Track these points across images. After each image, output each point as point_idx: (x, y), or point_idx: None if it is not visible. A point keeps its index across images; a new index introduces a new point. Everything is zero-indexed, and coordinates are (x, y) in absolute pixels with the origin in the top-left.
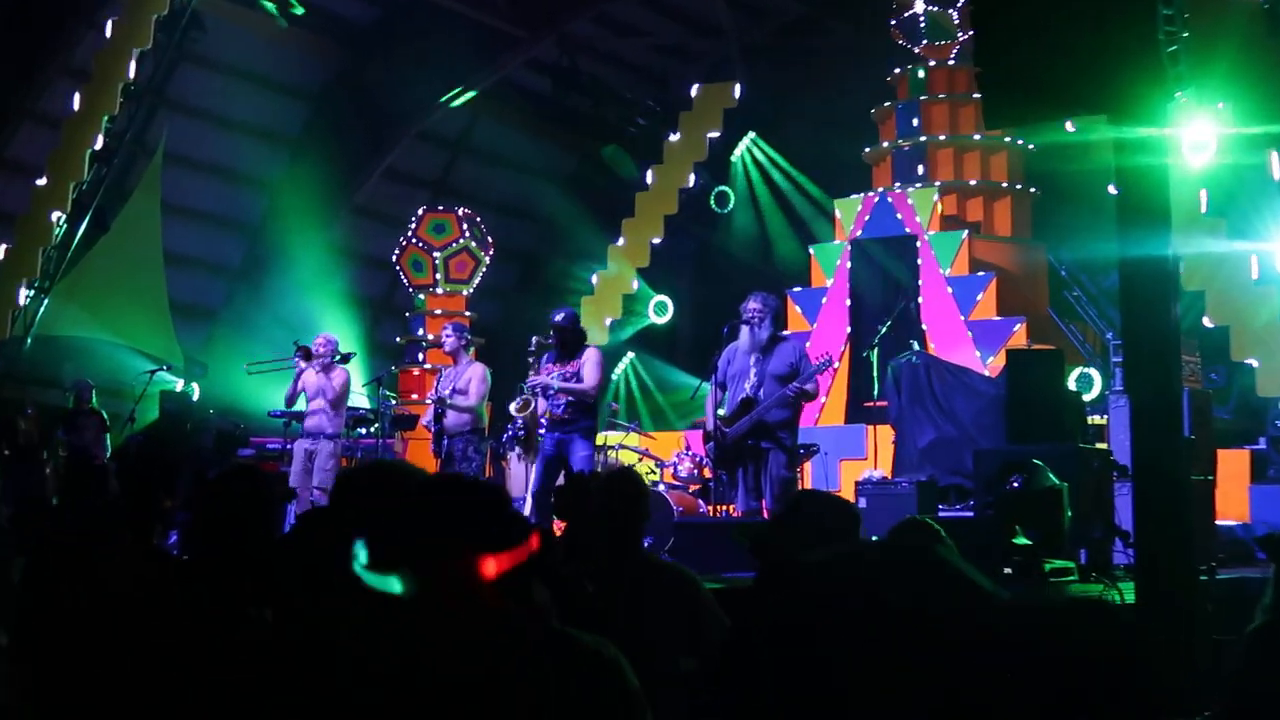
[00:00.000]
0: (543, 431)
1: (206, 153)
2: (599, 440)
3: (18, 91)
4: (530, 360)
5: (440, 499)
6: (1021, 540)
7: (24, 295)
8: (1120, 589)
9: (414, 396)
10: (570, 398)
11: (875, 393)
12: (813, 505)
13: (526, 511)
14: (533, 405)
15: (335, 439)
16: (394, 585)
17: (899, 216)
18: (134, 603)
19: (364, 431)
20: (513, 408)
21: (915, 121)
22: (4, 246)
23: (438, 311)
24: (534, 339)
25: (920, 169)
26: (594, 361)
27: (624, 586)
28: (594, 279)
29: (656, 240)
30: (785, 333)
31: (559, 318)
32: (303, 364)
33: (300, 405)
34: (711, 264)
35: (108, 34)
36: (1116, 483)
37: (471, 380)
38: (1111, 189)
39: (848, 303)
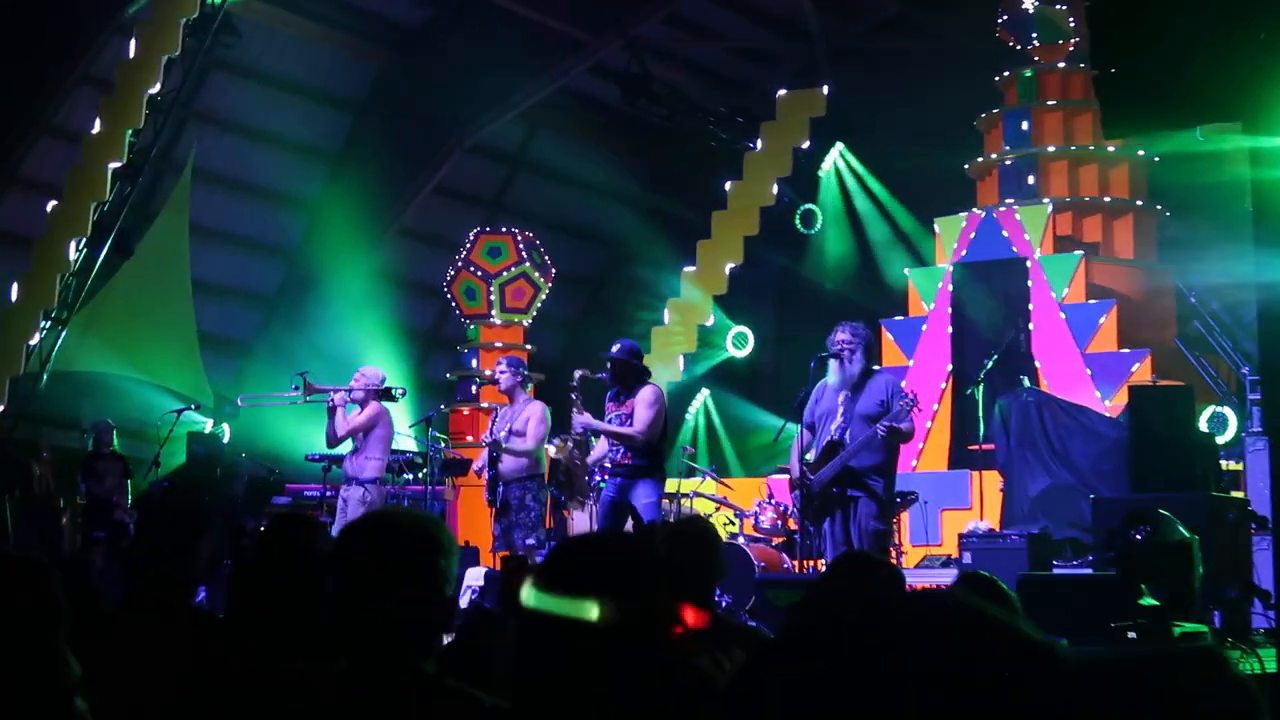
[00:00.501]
0: (599, 478)
1: (239, 169)
2: (670, 487)
3: (33, 104)
4: (573, 398)
5: (656, 542)
6: (1147, 601)
7: (40, 327)
8: (1259, 656)
9: (466, 438)
10: (622, 446)
11: (981, 434)
12: (852, 567)
13: None
14: (570, 448)
15: (367, 485)
16: (588, 611)
17: (1006, 236)
18: (175, 675)
19: (410, 477)
20: (550, 450)
21: (1024, 130)
22: (19, 274)
23: (494, 344)
24: (577, 373)
25: (1030, 183)
26: (646, 402)
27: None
28: (665, 308)
29: (735, 265)
30: (878, 367)
31: (614, 350)
32: (336, 399)
33: (346, 448)
34: (796, 291)
35: (132, 40)
36: (1254, 536)
37: (530, 420)
38: (1248, 205)
39: (950, 333)
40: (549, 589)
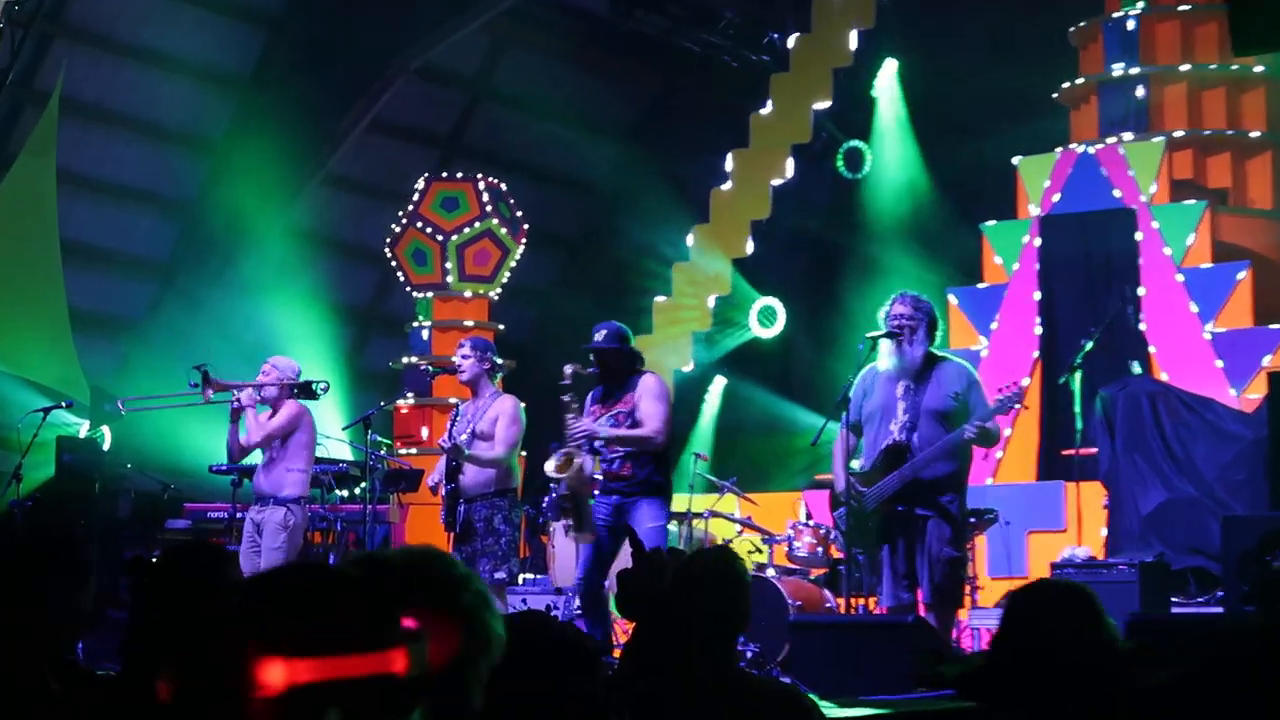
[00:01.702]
0: (595, 494)
1: (121, 100)
2: (679, 505)
3: None
4: (566, 400)
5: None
6: None
7: None
8: None
9: (417, 444)
10: (630, 446)
11: (1078, 436)
12: (1043, 606)
13: (576, 605)
14: (578, 462)
15: (289, 504)
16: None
17: (1109, 179)
18: None
19: (344, 494)
20: (550, 467)
21: (1133, 44)
22: None
23: (451, 322)
24: (568, 368)
25: (1140, 113)
26: (653, 393)
27: (713, 714)
28: (671, 276)
29: (760, 220)
30: (945, 352)
31: (598, 337)
32: (244, 396)
33: (255, 457)
34: (839, 253)
35: None
36: None
37: (499, 420)
38: None
39: (1037, 305)
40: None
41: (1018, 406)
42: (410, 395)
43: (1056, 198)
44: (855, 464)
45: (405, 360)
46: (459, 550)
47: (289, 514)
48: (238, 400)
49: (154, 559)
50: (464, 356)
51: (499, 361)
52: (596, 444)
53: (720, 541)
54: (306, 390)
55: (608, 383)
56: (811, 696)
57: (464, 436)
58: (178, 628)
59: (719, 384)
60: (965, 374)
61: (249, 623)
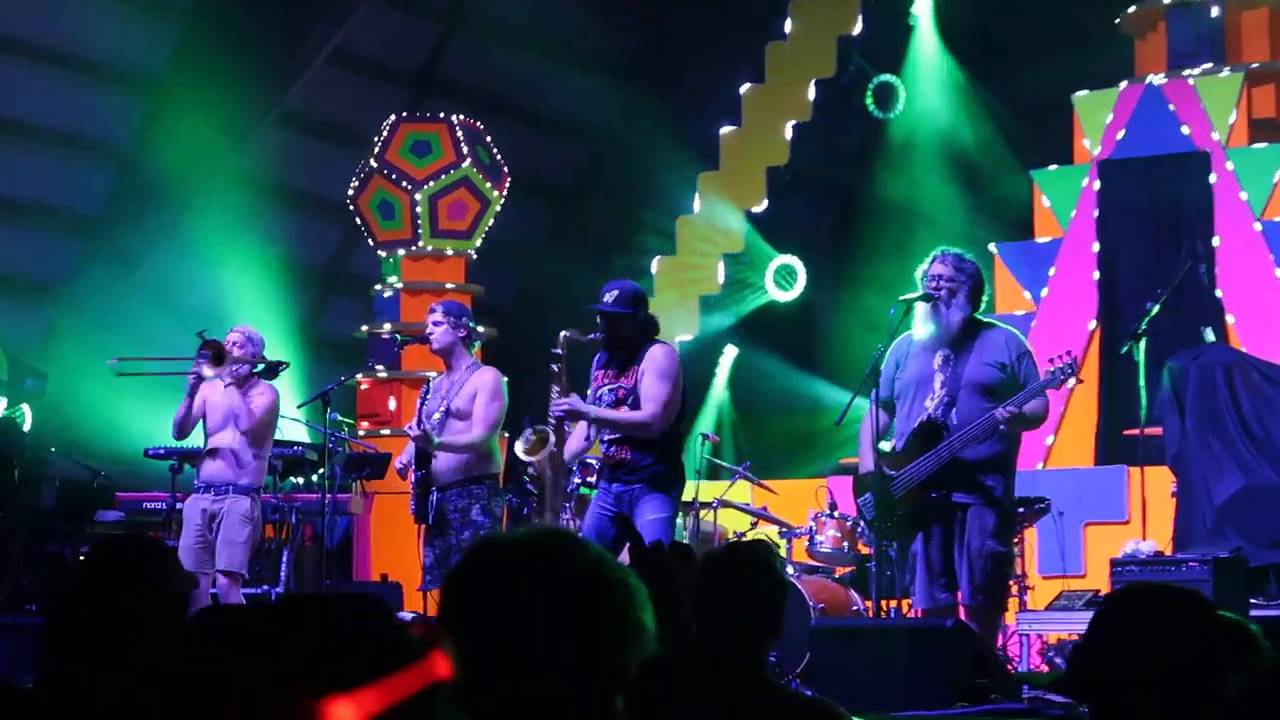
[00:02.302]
0: (580, 481)
1: (41, 30)
2: (686, 494)
3: None
4: (555, 370)
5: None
6: None
7: None
8: None
9: (383, 424)
10: (616, 433)
11: (1143, 413)
12: (1145, 617)
13: None
14: (551, 444)
15: (252, 494)
16: None
17: (1178, 118)
18: None
19: (299, 481)
20: (519, 448)
21: None
22: None
23: (422, 284)
24: (564, 334)
25: (1215, 42)
26: (660, 370)
27: None
28: (675, 231)
29: (778, 166)
30: (990, 317)
31: (608, 299)
32: (207, 371)
33: (196, 439)
34: (867, 204)
35: None
36: None
37: (477, 396)
38: None
39: (1096, 263)
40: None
41: (1072, 381)
42: (376, 368)
43: (1119, 138)
44: (885, 445)
45: (369, 328)
46: (430, 547)
47: (254, 505)
48: (217, 376)
49: (81, 556)
50: (435, 323)
51: (476, 329)
52: (588, 423)
53: (731, 536)
54: (272, 370)
55: (611, 349)
56: (835, 708)
57: (436, 415)
58: (107, 635)
59: (730, 355)
60: (1014, 342)
61: (295, 671)
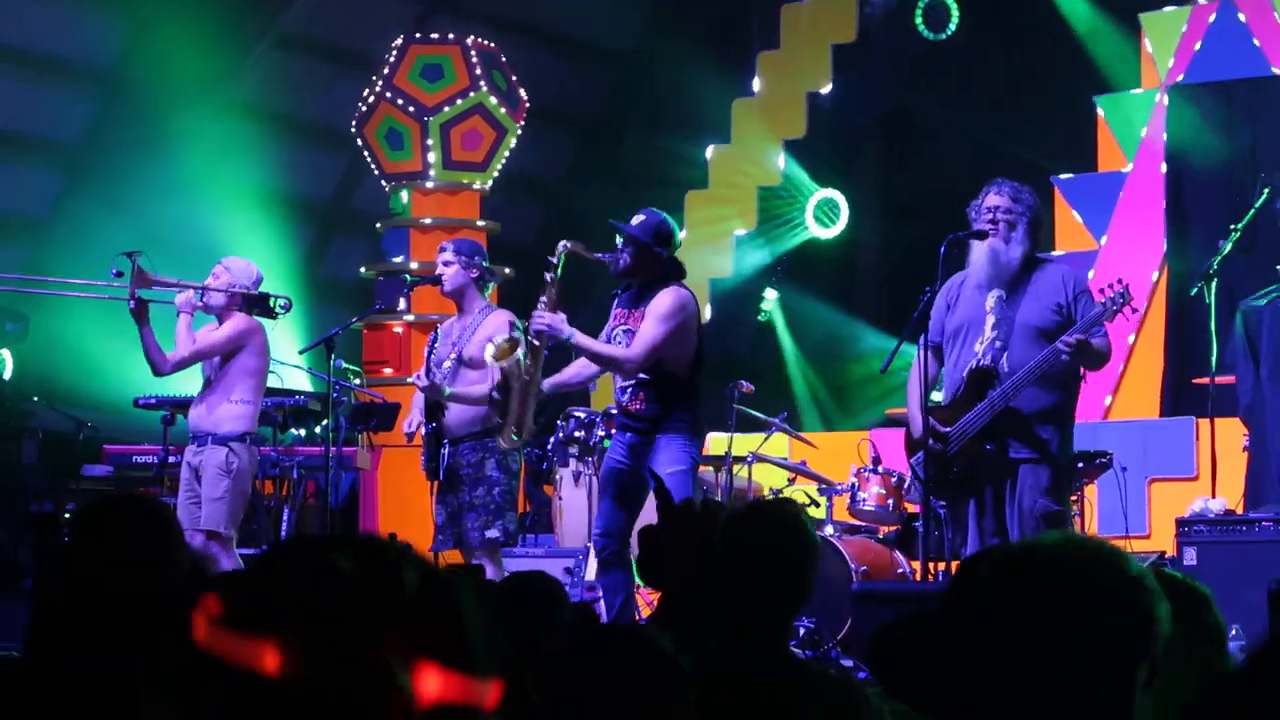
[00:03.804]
0: (603, 434)
1: None
2: (716, 447)
3: None
4: (546, 278)
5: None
6: None
7: None
8: None
9: (388, 372)
10: (644, 373)
11: (1214, 360)
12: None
13: (589, 572)
14: (519, 353)
15: (229, 443)
16: (263, 658)
17: (1256, 43)
18: None
19: (301, 433)
20: (488, 354)
21: None
22: None
23: (433, 220)
24: (562, 246)
25: None
26: (659, 313)
27: (756, 710)
28: (708, 162)
29: (819, 92)
30: (1049, 255)
31: (635, 222)
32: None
33: (191, 385)
34: (916, 132)
35: None
36: None
37: (495, 335)
38: None
39: (1164, 198)
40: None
41: (1126, 310)
42: (383, 310)
43: (1190, 61)
44: (936, 396)
45: (376, 267)
46: (442, 504)
47: (231, 455)
48: (179, 300)
49: (67, 514)
50: (445, 263)
51: (490, 268)
52: (567, 343)
53: (767, 492)
54: (263, 305)
55: (633, 283)
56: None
57: (447, 364)
58: (101, 602)
59: (770, 298)
60: (1073, 279)
61: (405, 619)
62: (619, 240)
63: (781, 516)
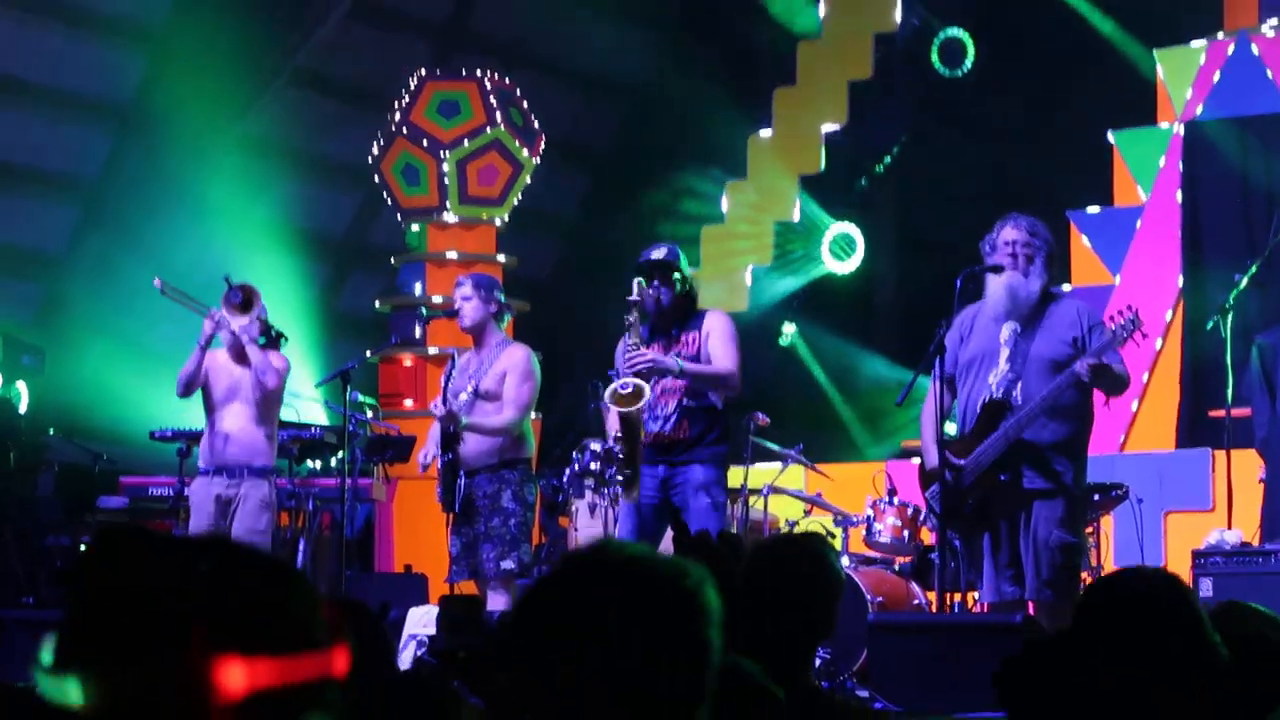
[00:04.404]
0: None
1: None
2: (733, 480)
3: None
4: (630, 320)
5: (175, 559)
6: None
7: None
8: None
9: (408, 404)
10: (689, 400)
11: (1229, 392)
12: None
13: None
14: (648, 396)
15: (269, 476)
16: (70, 693)
17: (1271, 77)
18: None
19: (317, 465)
20: (609, 397)
21: None
22: None
23: (450, 255)
24: (638, 281)
25: None
26: (724, 333)
27: None
28: (724, 197)
29: (835, 128)
30: (1063, 288)
31: (657, 255)
32: (235, 321)
33: (198, 419)
34: (932, 167)
35: None
36: None
37: (508, 376)
38: None
39: (1180, 233)
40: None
41: (1136, 335)
42: (400, 344)
43: (1205, 99)
44: (950, 428)
45: (391, 301)
46: (457, 535)
47: (272, 489)
48: (213, 318)
49: (82, 546)
50: (465, 298)
51: (506, 302)
52: (655, 377)
53: (784, 525)
54: (274, 341)
55: (658, 319)
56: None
57: (464, 396)
58: (113, 633)
59: (788, 331)
60: (1086, 313)
61: (205, 618)
62: (638, 280)
63: (808, 550)
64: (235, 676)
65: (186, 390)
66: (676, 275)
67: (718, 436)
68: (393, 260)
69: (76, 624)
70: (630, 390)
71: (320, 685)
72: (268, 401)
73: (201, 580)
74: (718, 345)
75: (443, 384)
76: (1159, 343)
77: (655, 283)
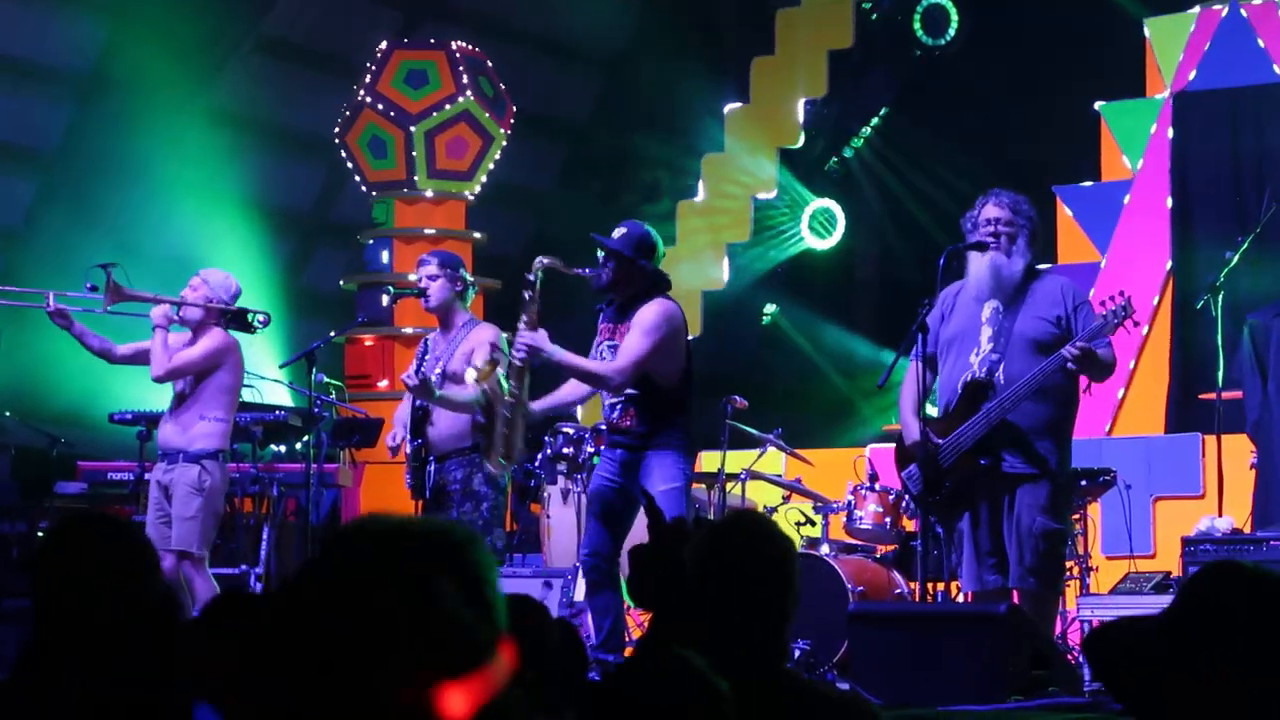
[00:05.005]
0: (593, 450)
1: None
2: (708, 464)
3: None
4: (525, 297)
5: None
6: None
7: None
8: None
9: (382, 385)
10: (632, 389)
11: (1219, 376)
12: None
13: (578, 592)
14: (499, 373)
15: (202, 461)
16: None
17: (1263, 46)
18: None
19: (281, 449)
20: (469, 377)
21: None
22: None
23: (418, 231)
24: (539, 261)
25: None
26: (644, 325)
27: None
28: (700, 171)
29: (814, 100)
30: (1046, 267)
31: (615, 236)
32: (156, 314)
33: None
34: (914, 140)
35: None
36: None
37: (475, 355)
38: None
39: (1169, 209)
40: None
41: (1127, 323)
42: (366, 324)
43: (1195, 70)
44: (931, 409)
45: (356, 279)
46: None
47: (204, 473)
48: (159, 312)
49: (39, 533)
50: (430, 277)
51: (470, 279)
52: (551, 362)
53: (762, 510)
54: (241, 320)
55: (616, 297)
56: (871, 707)
57: (433, 376)
58: (76, 624)
59: (768, 311)
60: (1070, 291)
61: (410, 650)
62: (600, 254)
63: (748, 526)
64: (456, 703)
65: (158, 375)
66: (624, 259)
67: (671, 424)
68: (359, 238)
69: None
70: (485, 366)
71: (510, 683)
72: (207, 386)
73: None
74: (628, 339)
75: (415, 365)
76: (1144, 329)
77: (606, 260)
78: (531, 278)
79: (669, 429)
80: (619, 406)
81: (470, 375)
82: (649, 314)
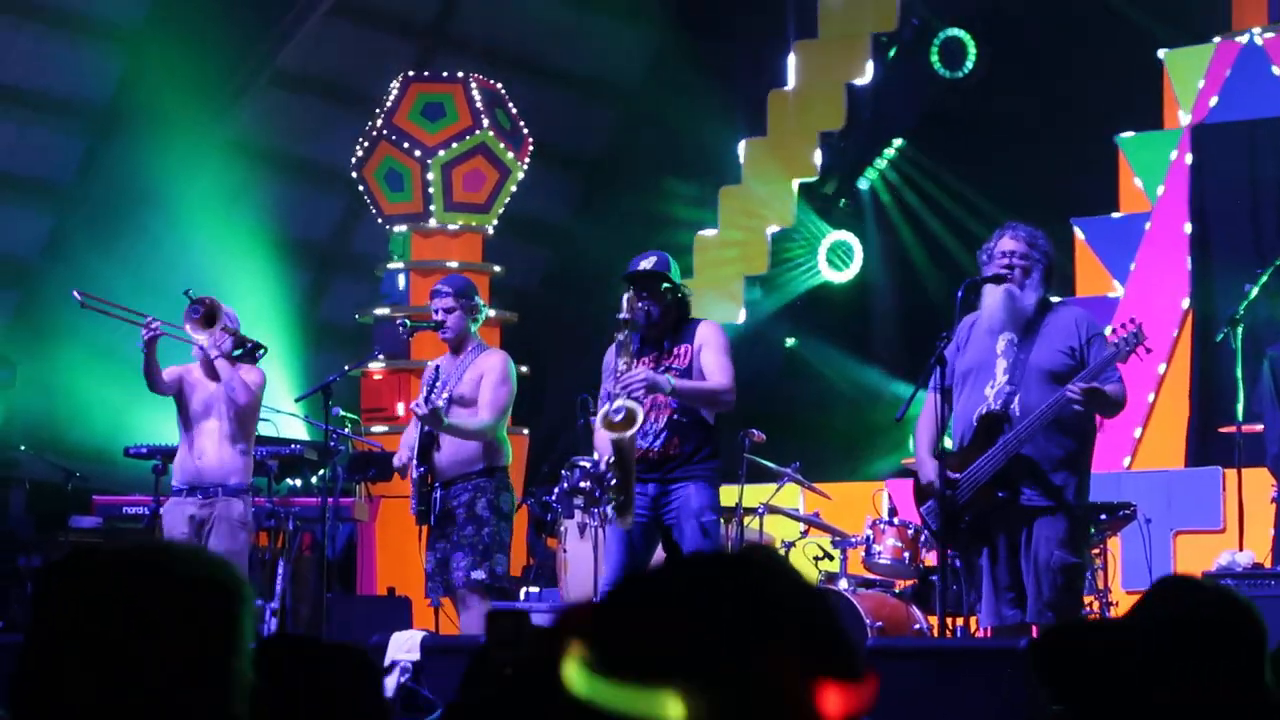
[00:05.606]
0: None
1: None
2: (726, 499)
3: None
4: (621, 339)
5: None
6: None
7: None
8: None
9: (400, 410)
10: (680, 416)
11: (1239, 409)
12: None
13: None
14: (640, 421)
15: (243, 495)
16: (665, 708)
17: None
18: None
19: (297, 483)
20: (599, 425)
21: None
22: None
23: (435, 263)
24: (627, 297)
25: None
26: (716, 345)
27: None
28: (717, 204)
29: (832, 132)
30: (1072, 300)
31: (645, 265)
32: (199, 336)
33: (173, 434)
34: (932, 172)
35: None
36: None
37: (484, 380)
38: None
39: (1188, 240)
40: (611, 669)
41: (1140, 350)
42: (382, 357)
43: (1214, 102)
44: (948, 442)
45: (376, 312)
46: (432, 549)
47: (247, 508)
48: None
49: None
50: (448, 310)
51: (480, 304)
52: (647, 394)
53: (780, 545)
54: (249, 354)
55: (649, 331)
56: None
57: (441, 401)
58: (84, 658)
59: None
60: (1085, 322)
61: (808, 644)
62: (628, 291)
63: (755, 557)
64: (833, 702)
65: (151, 386)
66: (665, 286)
67: (710, 452)
68: (376, 270)
69: (671, 638)
70: (622, 416)
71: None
72: (241, 418)
73: (793, 605)
74: (710, 358)
75: (424, 391)
76: (1161, 367)
77: (644, 295)
78: (625, 315)
79: (715, 457)
80: (663, 435)
81: (600, 424)
82: (716, 334)
